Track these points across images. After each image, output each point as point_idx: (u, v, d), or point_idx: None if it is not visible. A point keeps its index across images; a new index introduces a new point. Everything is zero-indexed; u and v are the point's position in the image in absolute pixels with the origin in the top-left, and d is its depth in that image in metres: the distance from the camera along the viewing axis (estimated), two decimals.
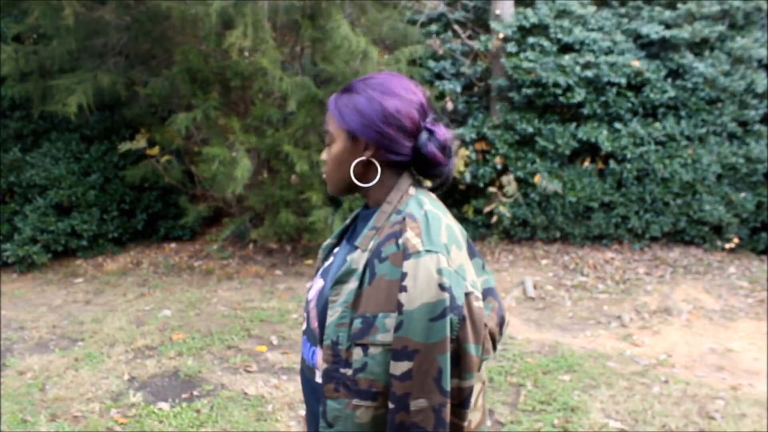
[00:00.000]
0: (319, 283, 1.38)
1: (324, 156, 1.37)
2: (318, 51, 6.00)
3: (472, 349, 1.21)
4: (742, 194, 6.29)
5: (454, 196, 6.55)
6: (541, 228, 6.50)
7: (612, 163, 6.32)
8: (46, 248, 6.40)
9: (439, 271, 1.19)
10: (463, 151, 6.29)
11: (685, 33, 6.28)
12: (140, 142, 6.14)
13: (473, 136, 6.44)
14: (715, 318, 4.98)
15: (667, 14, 6.56)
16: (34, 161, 6.63)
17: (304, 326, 1.40)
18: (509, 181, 6.25)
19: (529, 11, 6.57)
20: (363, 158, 1.31)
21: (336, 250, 1.44)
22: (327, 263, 1.42)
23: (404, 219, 1.24)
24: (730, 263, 6.16)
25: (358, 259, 1.25)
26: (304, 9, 5.68)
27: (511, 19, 6.63)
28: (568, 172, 6.40)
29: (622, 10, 6.83)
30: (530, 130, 6.36)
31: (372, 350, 1.20)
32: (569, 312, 5.15)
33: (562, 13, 6.68)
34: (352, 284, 1.23)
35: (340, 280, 1.25)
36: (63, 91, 5.77)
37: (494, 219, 6.37)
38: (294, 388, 3.75)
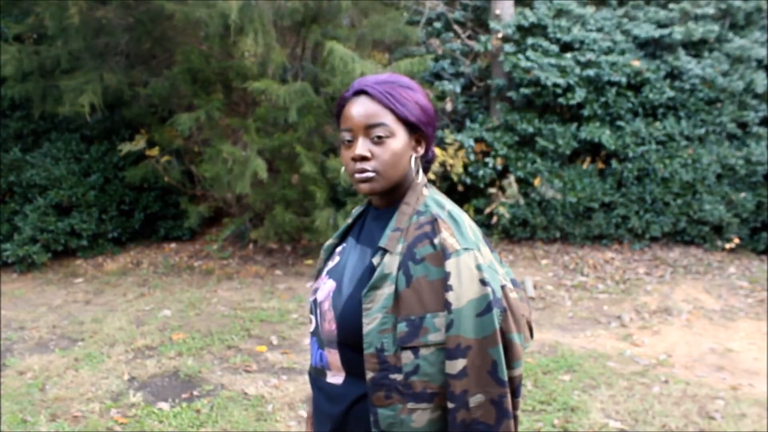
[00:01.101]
0: (329, 284, 1.35)
1: (369, 151, 1.26)
2: (319, 54, 5.99)
3: (516, 338, 1.23)
4: (742, 194, 6.28)
5: (454, 197, 6.54)
6: (541, 228, 6.50)
7: (613, 163, 6.31)
8: (46, 248, 6.41)
9: (478, 267, 1.21)
10: (463, 153, 6.28)
11: (678, 33, 6.27)
12: (139, 143, 6.13)
13: (473, 137, 6.43)
14: (715, 318, 4.98)
15: (662, 14, 6.55)
16: (34, 161, 6.63)
17: (312, 328, 1.38)
18: (510, 184, 6.24)
19: (527, 11, 6.56)
20: (418, 154, 1.32)
21: (339, 249, 1.42)
22: (333, 263, 1.40)
23: (436, 220, 1.25)
24: (730, 263, 6.16)
25: (390, 262, 1.23)
26: (307, 11, 5.67)
27: (510, 19, 6.63)
28: (568, 172, 6.40)
29: (621, 11, 6.82)
30: (530, 130, 6.35)
31: (423, 351, 1.20)
32: (569, 312, 5.15)
33: (560, 13, 6.68)
34: (388, 289, 1.22)
35: (374, 286, 1.23)
36: (70, 91, 5.75)
37: (494, 219, 6.37)
38: (294, 388, 3.75)
